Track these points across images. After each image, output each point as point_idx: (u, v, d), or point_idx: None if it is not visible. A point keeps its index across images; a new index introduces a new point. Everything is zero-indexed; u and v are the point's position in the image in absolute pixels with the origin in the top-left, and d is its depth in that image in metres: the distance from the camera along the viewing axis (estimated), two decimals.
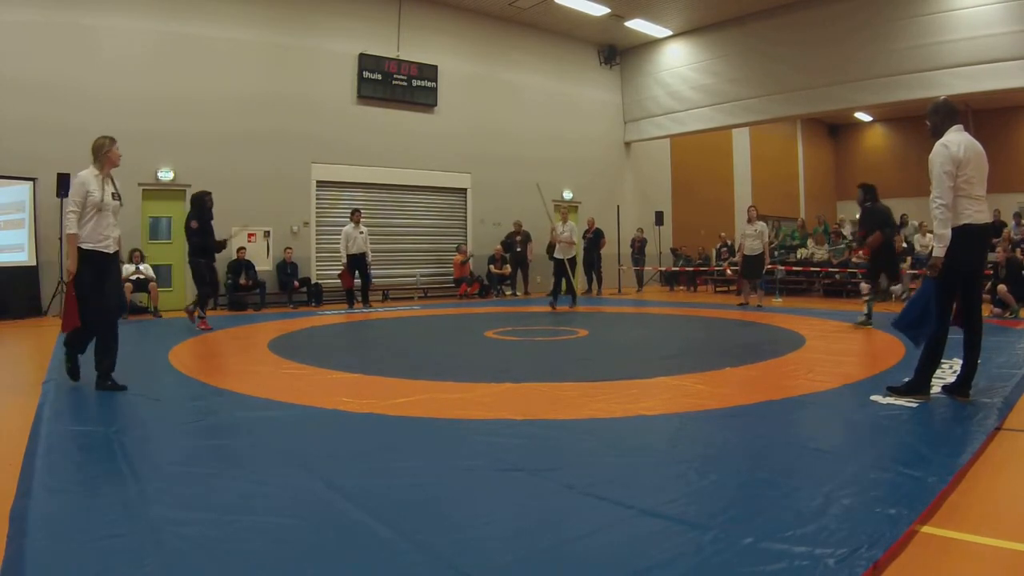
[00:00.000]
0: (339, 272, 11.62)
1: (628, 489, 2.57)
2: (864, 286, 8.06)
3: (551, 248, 11.30)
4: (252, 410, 3.96)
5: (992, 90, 11.52)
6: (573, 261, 10.96)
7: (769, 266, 13.70)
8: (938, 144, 3.84)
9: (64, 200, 9.64)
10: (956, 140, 3.80)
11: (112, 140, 4.55)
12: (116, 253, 4.55)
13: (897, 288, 7.32)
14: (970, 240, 3.76)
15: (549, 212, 11.27)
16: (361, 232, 11.38)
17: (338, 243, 11.50)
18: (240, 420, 3.76)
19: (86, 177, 4.39)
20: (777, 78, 14.17)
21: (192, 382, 4.93)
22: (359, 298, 11.46)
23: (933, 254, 3.81)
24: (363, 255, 11.33)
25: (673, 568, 1.92)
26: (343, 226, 11.54)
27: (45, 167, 9.76)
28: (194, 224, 8.19)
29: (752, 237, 10.85)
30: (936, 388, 4.07)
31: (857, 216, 9.27)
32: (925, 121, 4.08)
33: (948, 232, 3.70)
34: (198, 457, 3.11)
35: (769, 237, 15.98)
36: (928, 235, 12.10)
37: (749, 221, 11.01)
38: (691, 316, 9.79)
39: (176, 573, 1.92)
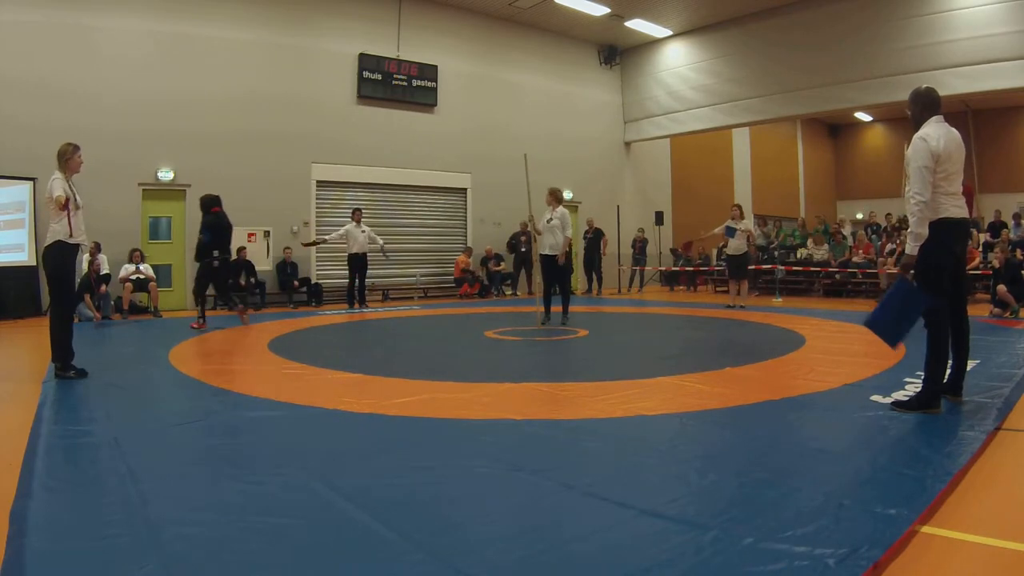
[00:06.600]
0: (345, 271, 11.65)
1: (628, 489, 2.57)
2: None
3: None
4: (252, 410, 3.96)
5: (992, 90, 11.54)
6: (567, 260, 8.32)
7: (769, 266, 13.76)
8: (916, 138, 3.64)
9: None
10: (935, 133, 3.60)
11: (76, 147, 5.13)
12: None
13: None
14: (950, 232, 3.61)
15: (530, 188, 8.50)
16: (363, 231, 11.39)
17: (340, 243, 11.46)
18: (240, 420, 3.76)
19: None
20: (777, 78, 14.17)
21: (192, 382, 4.93)
22: (358, 297, 11.47)
23: (906, 252, 3.64)
24: (364, 255, 11.35)
25: (673, 568, 1.91)
26: (343, 226, 11.53)
27: (45, 167, 9.62)
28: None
29: (739, 236, 10.68)
30: (888, 399, 3.90)
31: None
32: (906, 109, 3.89)
33: (925, 231, 3.54)
34: (198, 457, 3.11)
35: (771, 237, 16.13)
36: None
37: (733, 219, 10.76)
38: (691, 316, 9.79)
39: (176, 573, 1.92)
